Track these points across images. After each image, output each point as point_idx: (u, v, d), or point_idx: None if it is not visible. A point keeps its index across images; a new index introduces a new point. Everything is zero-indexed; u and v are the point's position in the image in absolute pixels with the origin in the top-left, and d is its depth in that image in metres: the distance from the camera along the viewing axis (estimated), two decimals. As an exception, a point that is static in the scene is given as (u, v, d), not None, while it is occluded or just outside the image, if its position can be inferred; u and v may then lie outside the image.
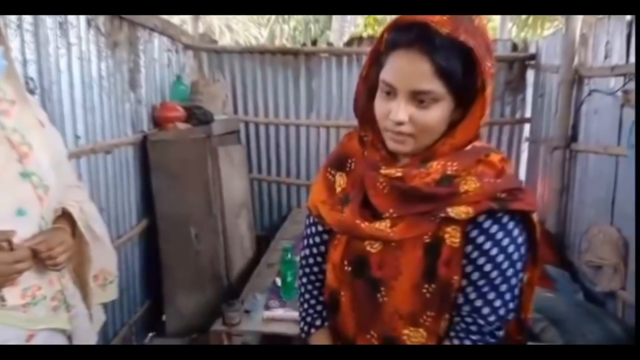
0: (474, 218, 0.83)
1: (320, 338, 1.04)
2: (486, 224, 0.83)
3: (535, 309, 2.21)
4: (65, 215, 1.18)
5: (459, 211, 0.82)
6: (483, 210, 0.82)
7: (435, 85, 0.79)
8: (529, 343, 2.04)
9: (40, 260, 1.07)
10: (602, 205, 2.62)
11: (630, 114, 2.23)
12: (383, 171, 0.87)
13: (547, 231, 3.10)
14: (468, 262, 0.85)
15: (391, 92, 0.83)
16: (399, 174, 0.86)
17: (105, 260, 1.32)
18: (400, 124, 0.82)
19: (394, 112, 0.82)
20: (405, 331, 0.89)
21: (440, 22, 0.78)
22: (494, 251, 0.83)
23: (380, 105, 0.86)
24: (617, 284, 2.41)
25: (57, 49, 2.01)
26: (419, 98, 0.81)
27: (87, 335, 1.26)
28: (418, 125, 0.82)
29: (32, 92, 1.80)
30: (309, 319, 1.06)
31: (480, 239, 0.83)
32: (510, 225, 0.83)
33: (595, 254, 2.56)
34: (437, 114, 0.82)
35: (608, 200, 2.55)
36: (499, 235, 0.83)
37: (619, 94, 2.35)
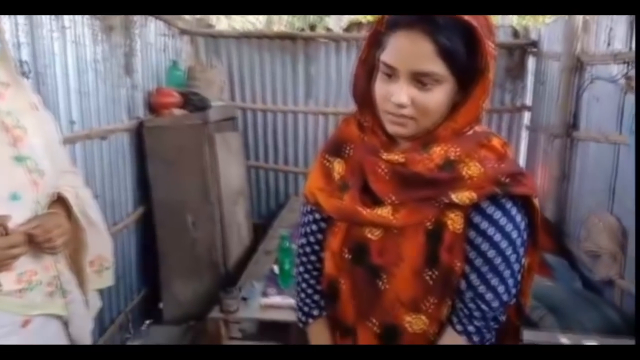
0: (476, 203, 0.81)
1: (318, 328, 1.03)
2: (489, 209, 0.82)
3: (533, 297, 2.23)
4: (60, 201, 1.16)
5: (463, 196, 0.81)
6: (486, 195, 0.81)
7: (437, 67, 0.77)
8: (527, 330, 2.05)
9: (36, 244, 1.05)
10: (601, 194, 2.61)
11: (632, 101, 2.20)
12: (385, 157, 0.85)
13: (546, 219, 3.09)
14: (471, 248, 0.84)
15: (392, 74, 0.80)
16: (402, 160, 0.84)
17: (101, 246, 1.30)
18: (401, 106, 0.80)
19: (395, 94, 0.80)
20: (407, 318, 0.88)
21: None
22: (497, 236, 0.82)
23: (380, 87, 0.83)
24: (616, 272, 2.41)
25: (51, 32, 1.97)
26: (420, 80, 0.78)
27: (83, 321, 1.25)
28: (419, 107, 0.80)
29: (25, 75, 1.76)
30: (306, 308, 1.05)
31: (484, 225, 0.82)
32: (513, 210, 0.83)
33: (594, 242, 2.55)
34: (439, 96, 0.80)
35: (608, 188, 2.54)
36: (502, 220, 0.82)
37: (621, 81, 2.32)
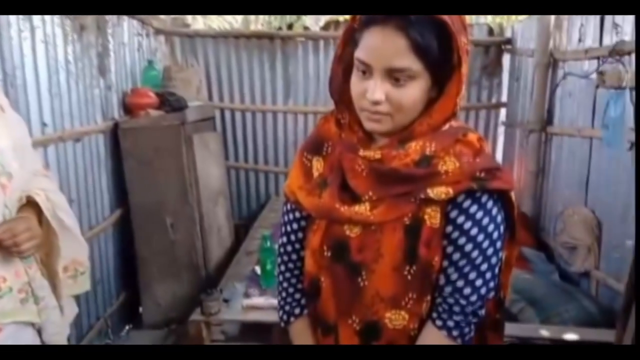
0: (453, 198, 0.82)
1: (299, 327, 1.03)
2: (465, 204, 0.83)
3: (513, 290, 2.26)
4: (30, 204, 1.13)
5: (439, 192, 0.81)
6: (462, 190, 0.81)
7: (411, 62, 0.77)
8: (507, 323, 2.07)
9: (4, 248, 1.02)
10: (576, 187, 2.66)
11: (604, 95, 2.25)
12: (361, 153, 0.85)
13: (523, 213, 3.14)
14: (448, 243, 0.85)
15: (366, 71, 0.81)
16: (378, 156, 0.84)
17: (75, 250, 1.26)
18: (376, 103, 0.80)
19: (370, 91, 0.80)
20: (387, 314, 0.88)
21: None
22: (474, 231, 0.83)
23: (356, 84, 0.83)
24: (591, 264, 2.46)
25: (19, 32, 1.92)
26: (395, 76, 0.79)
27: (58, 328, 1.21)
28: (394, 103, 0.81)
29: (-7, 77, 1.71)
30: (287, 307, 1.04)
31: (460, 219, 0.83)
32: (489, 204, 0.83)
33: (569, 234, 2.61)
34: (414, 92, 0.80)
35: (582, 182, 2.60)
36: (479, 214, 0.83)
37: (593, 76, 2.37)
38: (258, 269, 2.47)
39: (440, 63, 0.79)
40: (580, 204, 2.60)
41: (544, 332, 2.03)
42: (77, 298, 1.37)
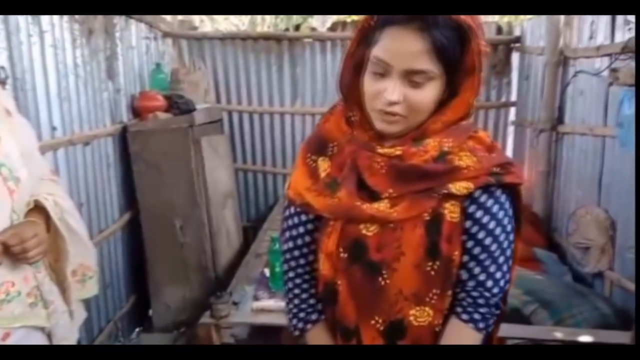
0: (470, 193, 0.84)
1: (318, 332, 0.99)
2: (482, 198, 0.85)
3: (525, 291, 2.24)
4: (38, 209, 1.12)
5: (460, 186, 0.83)
6: (482, 184, 0.83)
7: (431, 65, 0.77)
8: (520, 325, 2.04)
9: (12, 254, 1.01)
10: (588, 187, 2.62)
11: (617, 93, 2.21)
12: (380, 150, 0.85)
13: (534, 214, 3.11)
14: (468, 238, 0.86)
15: (384, 71, 0.80)
16: (398, 152, 0.84)
17: (83, 255, 1.26)
18: (393, 104, 0.80)
19: (389, 91, 0.79)
20: (412, 311, 0.87)
21: None
22: (492, 224, 0.85)
23: (370, 84, 0.82)
24: (605, 265, 2.42)
25: (29, 37, 1.92)
26: (413, 78, 0.78)
27: (68, 332, 1.21)
28: (411, 105, 0.80)
29: (3, 81, 1.72)
30: (302, 314, 1.00)
31: (479, 214, 0.85)
32: (502, 198, 0.86)
33: (582, 235, 2.57)
34: (430, 93, 0.80)
35: (594, 181, 2.56)
36: (494, 208, 0.85)
37: (606, 73, 2.34)
38: (267, 272, 2.45)
39: (459, 66, 0.79)
40: (593, 203, 2.56)
41: (557, 334, 1.99)
42: (86, 302, 1.37)
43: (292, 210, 0.97)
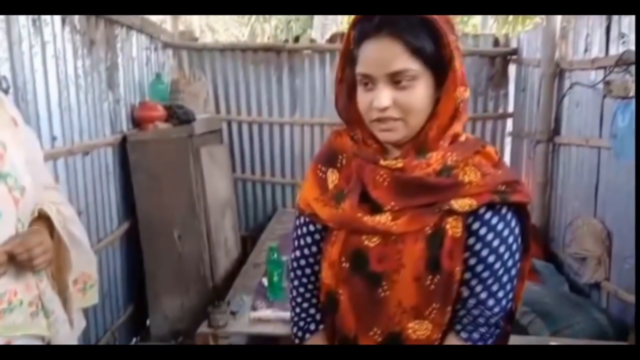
0: (474, 210, 0.83)
1: (317, 342, 1.00)
2: (487, 216, 0.84)
3: (522, 301, 2.23)
4: (42, 218, 1.14)
5: (463, 203, 0.82)
6: (485, 202, 0.82)
7: (409, 63, 0.80)
8: (517, 335, 2.05)
9: (18, 263, 1.02)
10: (585, 198, 2.64)
11: (611, 105, 2.25)
12: (383, 163, 0.86)
13: (532, 224, 3.12)
14: (471, 255, 0.85)
15: (369, 83, 0.83)
16: (400, 165, 0.85)
17: (85, 263, 1.27)
18: (385, 109, 0.82)
19: (376, 99, 0.81)
20: (410, 324, 0.87)
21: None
22: (496, 242, 0.84)
23: (362, 98, 0.85)
24: (601, 275, 2.44)
25: (30, 47, 1.94)
26: (397, 80, 0.80)
27: (68, 341, 1.21)
28: (403, 107, 0.82)
29: (5, 91, 1.74)
30: (302, 323, 1.02)
31: (483, 231, 0.84)
32: (509, 216, 0.85)
33: (579, 246, 2.58)
34: (419, 92, 0.82)
35: (591, 192, 2.58)
36: (500, 226, 0.84)
37: (600, 86, 2.37)
38: (265, 281, 2.46)
39: (437, 61, 0.81)
40: (590, 214, 2.58)
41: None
42: (85, 311, 1.37)
43: (302, 220, 0.99)
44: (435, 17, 0.80)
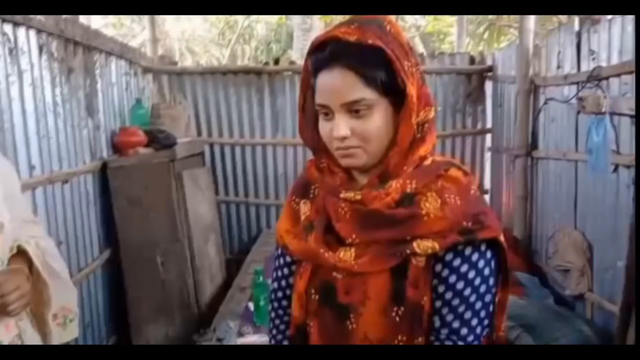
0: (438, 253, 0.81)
1: None
2: (449, 258, 0.81)
3: (507, 316, 2.25)
4: (21, 253, 1.11)
5: (425, 246, 0.80)
6: (448, 245, 0.80)
7: (363, 93, 0.79)
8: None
9: None
10: (565, 210, 2.69)
11: (585, 120, 2.31)
12: (342, 195, 0.85)
13: (514, 238, 3.16)
14: (439, 282, 0.82)
15: (328, 113, 0.83)
16: (358, 197, 0.84)
17: (64, 297, 1.23)
18: (344, 138, 0.82)
19: (335, 129, 0.82)
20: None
21: (348, 32, 0.80)
22: (460, 285, 0.81)
23: (323, 127, 0.85)
24: (584, 287, 2.46)
25: (7, 77, 1.93)
26: (353, 109, 0.80)
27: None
28: (361, 135, 0.82)
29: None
30: None
31: (445, 273, 0.82)
32: (475, 257, 0.81)
33: (562, 258, 2.62)
34: (377, 120, 0.81)
35: (570, 204, 2.63)
36: (463, 268, 0.81)
37: (574, 100, 2.43)
38: (251, 305, 2.43)
39: (392, 88, 0.81)
40: (570, 226, 2.63)
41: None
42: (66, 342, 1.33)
43: (279, 251, 0.99)
44: (386, 44, 0.80)
